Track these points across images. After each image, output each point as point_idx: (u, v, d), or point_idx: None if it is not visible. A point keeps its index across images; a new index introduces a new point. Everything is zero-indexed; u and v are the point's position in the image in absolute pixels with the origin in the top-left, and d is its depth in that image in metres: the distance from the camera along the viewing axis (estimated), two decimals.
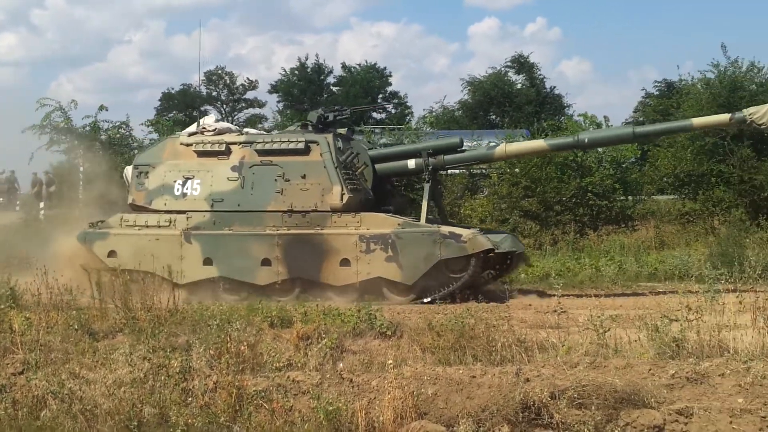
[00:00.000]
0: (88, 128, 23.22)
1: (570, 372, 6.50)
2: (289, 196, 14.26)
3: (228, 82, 53.76)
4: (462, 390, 6.48)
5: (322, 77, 52.17)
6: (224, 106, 53.80)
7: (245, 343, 7.53)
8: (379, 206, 14.90)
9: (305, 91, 50.96)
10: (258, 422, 6.26)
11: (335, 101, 47.42)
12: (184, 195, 14.76)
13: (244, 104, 53.95)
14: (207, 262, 14.35)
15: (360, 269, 13.79)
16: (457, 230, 13.99)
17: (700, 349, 7.30)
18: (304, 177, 14.24)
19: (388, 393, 6.28)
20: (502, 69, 46.86)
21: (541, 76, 47.17)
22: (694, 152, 24.42)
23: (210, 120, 15.99)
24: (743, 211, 22.55)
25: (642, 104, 46.72)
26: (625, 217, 23.89)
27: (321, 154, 14.26)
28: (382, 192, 15.56)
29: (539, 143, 16.67)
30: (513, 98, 44.83)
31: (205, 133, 15.12)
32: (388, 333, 9.23)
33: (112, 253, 14.63)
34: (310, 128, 14.99)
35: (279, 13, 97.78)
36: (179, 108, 51.68)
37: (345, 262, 13.86)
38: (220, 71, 53.98)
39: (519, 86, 46.41)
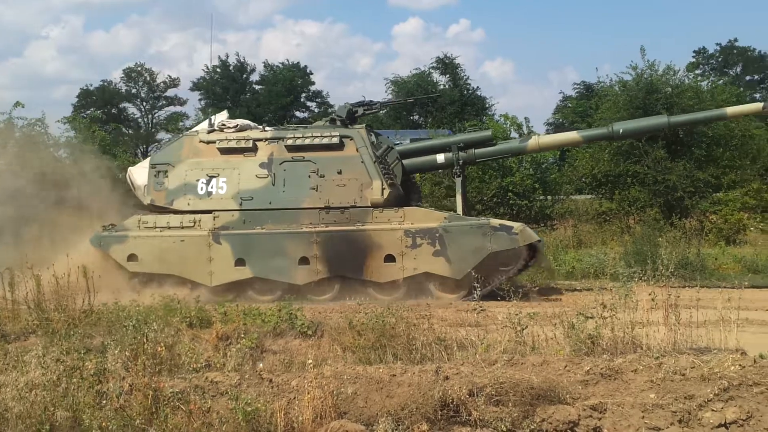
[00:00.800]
0: (1, 125, 22.55)
1: (488, 369, 6.56)
2: (325, 192, 14.02)
3: (148, 79, 52.86)
4: (382, 389, 6.48)
5: (244, 75, 51.71)
6: (144, 103, 52.94)
7: (162, 344, 7.39)
8: (408, 201, 14.80)
9: (227, 89, 50.50)
10: (175, 424, 6.14)
11: (257, 100, 47.10)
12: (209, 194, 14.34)
13: (164, 101, 53.17)
14: (239, 262, 13.99)
15: (406, 265, 13.62)
16: (507, 222, 13.99)
17: (614, 346, 7.45)
18: (340, 173, 14.01)
19: (308, 393, 6.24)
20: (427, 69, 47.20)
21: (465, 77, 47.65)
22: (611, 153, 25.01)
23: (222, 117, 15.52)
24: (657, 210, 23.20)
25: (560, 107, 47.67)
26: (544, 216, 24.37)
27: (357, 149, 14.07)
28: (407, 187, 15.38)
29: (572, 135, 16.69)
30: (436, 98, 45.19)
31: (225, 130, 14.69)
32: (309, 332, 9.22)
33: (132, 257, 14.17)
34: (338, 123, 14.80)
35: (202, 11, 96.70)
36: (98, 105, 50.66)
37: (389, 258, 13.67)
38: (139, 68, 53.09)
39: (442, 86, 46.76)
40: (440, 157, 15.26)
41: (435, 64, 47.53)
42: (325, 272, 13.82)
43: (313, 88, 52.65)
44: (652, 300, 7.93)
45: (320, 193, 14.01)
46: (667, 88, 26.23)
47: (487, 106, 46.78)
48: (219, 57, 52.00)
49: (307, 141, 14.17)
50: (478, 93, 47.54)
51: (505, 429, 5.85)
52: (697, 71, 38.40)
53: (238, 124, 14.90)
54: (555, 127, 48.12)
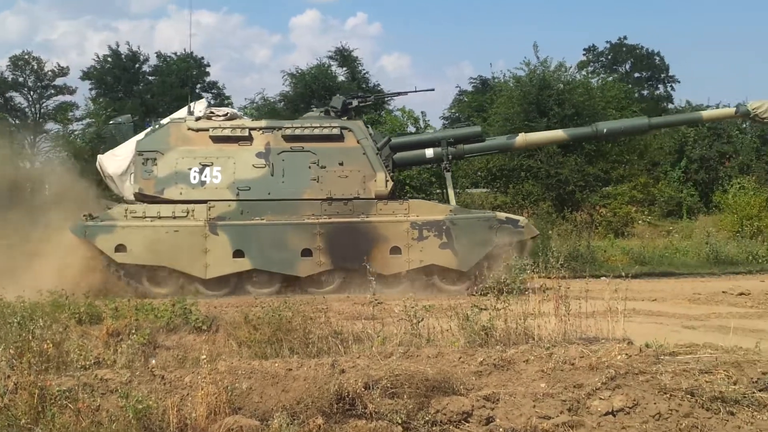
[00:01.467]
0: None
1: (384, 362, 6.58)
2: (327, 183, 13.89)
3: (36, 67, 50.87)
4: (278, 383, 6.43)
5: (137, 65, 50.40)
6: (31, 92, 50.93)
7: (49, 342, 7.15)
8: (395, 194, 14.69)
9: (119, 78, 49.11)
10: (62, 423, 5.94)
11: (151, 90, 46.06)
12: (202, 183, 13.92)
13: (53, 91, 51.25)
14: (238, 254, 13.62)
15: (411, 257, 13.62)
16: (513, 216, 14.17)
17: (507, 337, 7.59)
18: (341, 164, 13.91)
19: (202, 389, 6.14)
20: (325, 61, 47.01)
21: (363, 71, 47.69)
22: None
23: (201, 106, 15.02)
24: (550, 203, 23.76)
25: (457, 101, 48.20)
26: None
27: (358, 141, 14.01)
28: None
29: (558, 133, 17.06)
30: (335, 91, 45.01)
31: (214, 118, 14.27)
32: (204, 327, 9.09)
33: (120, 248, 13.54)
34: (332, 114, 14.62)
35: None
36: None
37: (395, 250, 13.61)
38: (27, 56, 51.07)
39: (341, 79, 46.66)
40: (429, 152, 15.30)
41: (333, 54, 47.34)
42: (328, 264, 13.75)
43: (208, 79, 51.82)
44: (544, 291, 8.11)
45: (321, 184, 13.94)
46: (559, 85, 26.88)
47: (385, 100, 46.93)
48: (109, 46, 50.58)
49: (306, 131, 14.05)
50: (377, 87, 47.58)
51: (400, 421, 5.88)
52: (589, 68, 39.50)
53: (228, 113, 14.60)
54: (451, 121, 48.62)
